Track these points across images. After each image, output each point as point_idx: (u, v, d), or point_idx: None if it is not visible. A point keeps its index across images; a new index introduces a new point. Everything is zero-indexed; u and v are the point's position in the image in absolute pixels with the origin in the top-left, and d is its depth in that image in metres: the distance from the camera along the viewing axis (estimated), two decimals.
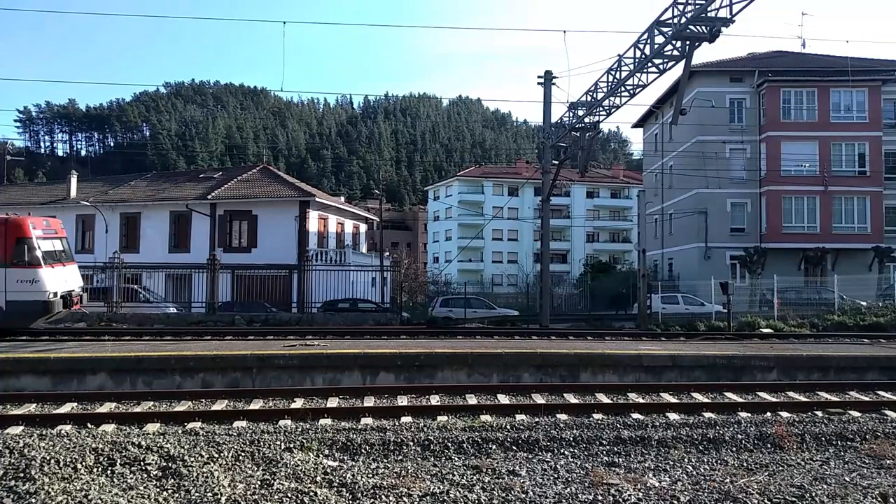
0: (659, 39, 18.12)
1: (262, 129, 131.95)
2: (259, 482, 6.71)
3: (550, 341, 18.06)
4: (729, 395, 12.18)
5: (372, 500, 6.41)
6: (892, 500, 6.57)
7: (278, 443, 8.00)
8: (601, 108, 23.43)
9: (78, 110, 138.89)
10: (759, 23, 74.44)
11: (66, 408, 10.87)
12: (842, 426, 9.34)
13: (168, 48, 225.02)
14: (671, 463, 7.90)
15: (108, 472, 6.71)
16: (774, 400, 11.76)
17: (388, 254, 46.43)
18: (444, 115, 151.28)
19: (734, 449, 8.51)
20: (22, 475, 6.41)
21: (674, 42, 17.59)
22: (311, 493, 6.43)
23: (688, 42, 17.11)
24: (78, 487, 6.25)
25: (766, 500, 6.50)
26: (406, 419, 9.78)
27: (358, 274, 34.97)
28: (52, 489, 6.16)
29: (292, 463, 7.29)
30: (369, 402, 11.33)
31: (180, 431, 8.78)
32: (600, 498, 6.51)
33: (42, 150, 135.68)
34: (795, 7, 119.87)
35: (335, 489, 6.65)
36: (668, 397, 11.99)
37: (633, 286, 32.12)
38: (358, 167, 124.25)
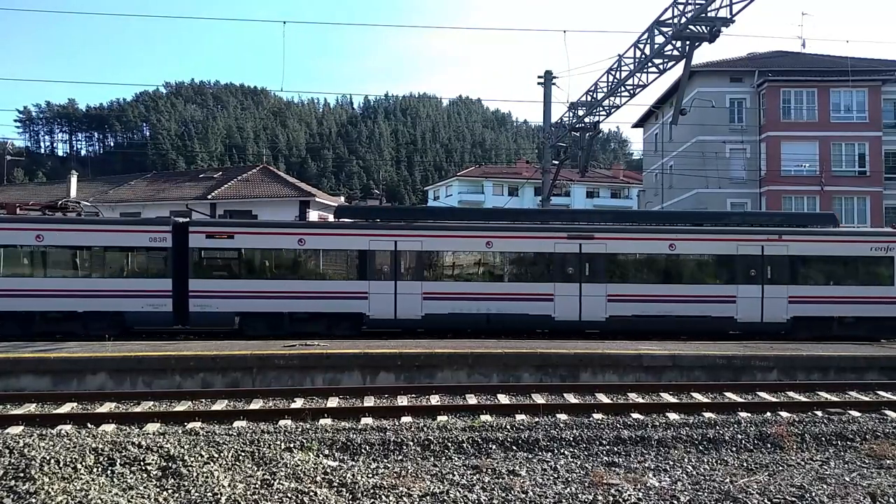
0: (659, 39, 18.13)
1: (262, 129, 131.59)
2: (259, 482, 6.71)
3: (550, 341, 18.05)
4: (729, 395, 12.18)
5: (372, 500, 6.41)
6: (879, 500, 6.57)
7: (278, 443, 8.00)
8: (601, 108, 23.45)
9: (78, 110, 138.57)
10: (759, 23, 74.48)
11: (66, 408, 10.87)
12: (842, 426, 9.34)
13: (168, 48, 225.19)
14: (671, 463, 7.91)
15: (108, 472, 6.71)
16: (774, 400, 11.77)
17: None
18: (444, 115, 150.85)
19: (734, 449, 8.51)
20: (22, 475, 6.40)
21: (674, 42, 17.59)
22: (311, 493, 6.43)
23: (688, 42, 17.12)
24: (78, 487, 6.25)
25: (766, 500, 6.50)
26: (406, 419, 9.79)
27: None
28: (52, 489, 6.15)
29: (292, 463, 7.29)
30: (369, 402, 11.34)
31: (180, 431, 8.78)
32: (600, 498, 6.51)
33: (42, 150, 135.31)
34: (795, 7, 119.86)
35: (335, 489, 6.65)
36: (668, 397, 11.99)
37: None
38: (358, 167, 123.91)
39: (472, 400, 11.58)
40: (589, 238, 19.41)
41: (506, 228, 19.65)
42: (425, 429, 8.90)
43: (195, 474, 6.71)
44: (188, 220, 19.88)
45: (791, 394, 12.39)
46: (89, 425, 9.67)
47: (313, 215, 38.14)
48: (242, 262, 19.09)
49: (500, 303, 19.02)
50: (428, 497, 6.48)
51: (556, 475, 7.33)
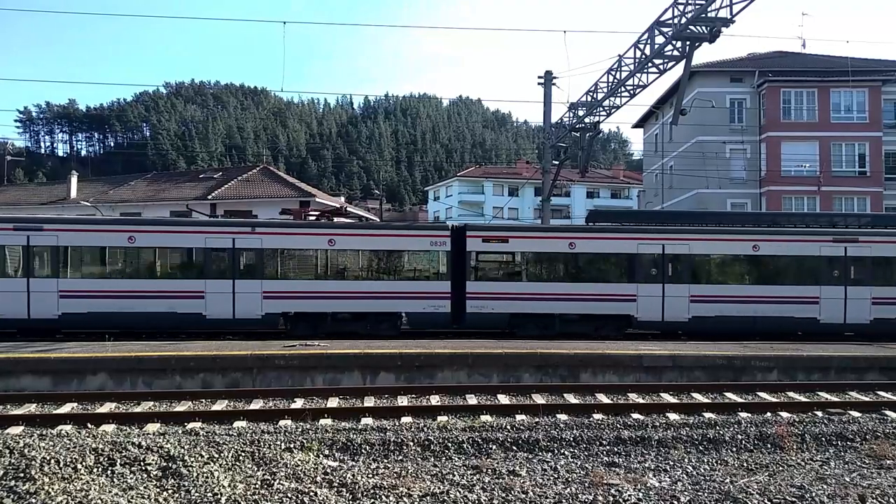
0: (659, 40, 18.13)
1: (262, 129, 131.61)
2: (259, 482, 6.71)
3: (550, 341, 18.06)
4: (729, 395, 12.18)
5: (372, 500, 6.41)
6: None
7: (278, 443, 8.00)
8: (601, 109, 23.44)
9: (78, 110, 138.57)
10: (759, 23, 74.47)
11: (67, 408, 10.87)
12: (842, 426, 9.34)
13: (168, 48, 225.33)
14: (671, 463, 7.91)
15: (108, 472, 6.71)
16: (774, 400, 11.77)
17: None
18: (444, 115, 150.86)
19: (734, 449, 8.52)
20: (22, 475, 6.41)
21: (674, 42, 17.59)
22: (311, 494, 6.43)
23: (688, 42, 17.12)
24: (78, 487, 6.25)
25: (766, 501, 6.50)
26: (406, 419, 9.79)
27: None
28: (52, 489, 6.16)
29: (292, 463, 7.29)
30: (369, 402, 11.34)
31: (180, 431, 8.79)
32: (600, 498, 6.51)
33: (42, 151, 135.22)
34: (795, 7, 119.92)
35: (335, 489, 6.65)
36: (668, 397, 11.99)
37: None
38: (358, 167, 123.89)
39: (472, 400, 11.58)
40: (854, 241, 19.65)
41: (771, 232, 19.93)
42: (425, 429, 8.90)
43: (195, 474, 6.72)
44: (465, 224, 20.68)
45: (791, 394, 12.39)
46: (89, 425, 9.67)
47: None
48: (516, 265, 19.72)
49: (766, 305, 19.22)
50: (428, 497, 6.48)
51: (556, 475, 7.33)
